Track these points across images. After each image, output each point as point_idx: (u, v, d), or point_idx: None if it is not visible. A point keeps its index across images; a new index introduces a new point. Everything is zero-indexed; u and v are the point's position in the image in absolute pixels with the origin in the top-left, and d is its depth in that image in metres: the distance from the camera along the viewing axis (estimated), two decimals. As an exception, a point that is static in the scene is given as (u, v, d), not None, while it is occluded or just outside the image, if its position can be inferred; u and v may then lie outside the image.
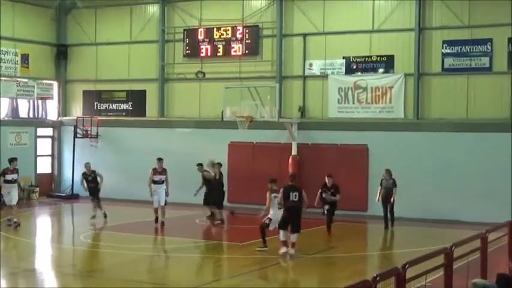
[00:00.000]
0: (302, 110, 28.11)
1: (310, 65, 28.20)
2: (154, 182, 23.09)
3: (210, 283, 14.88)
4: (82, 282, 15.68)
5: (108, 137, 31.37)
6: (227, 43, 29.18)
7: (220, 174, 24.39)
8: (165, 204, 23.14)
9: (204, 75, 29.69)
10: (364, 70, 27.23)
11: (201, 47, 29.64)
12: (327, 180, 22.34)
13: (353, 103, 27.25)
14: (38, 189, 31.13)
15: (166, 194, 23.24)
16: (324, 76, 27.83)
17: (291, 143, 27.47)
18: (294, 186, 18.10)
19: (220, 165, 24.47)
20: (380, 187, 23.46)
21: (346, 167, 26.26)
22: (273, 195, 18.16)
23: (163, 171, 23.34)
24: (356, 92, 27.20)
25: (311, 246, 19.31)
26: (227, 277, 16.27)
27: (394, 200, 23.16)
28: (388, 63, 26.81)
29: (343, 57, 27.54)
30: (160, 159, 23.42)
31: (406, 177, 24.94)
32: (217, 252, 19.30)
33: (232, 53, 29.13)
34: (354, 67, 27.41)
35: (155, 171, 23.17)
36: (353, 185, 25.80)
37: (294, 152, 27.39)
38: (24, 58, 31.19)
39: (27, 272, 16.38)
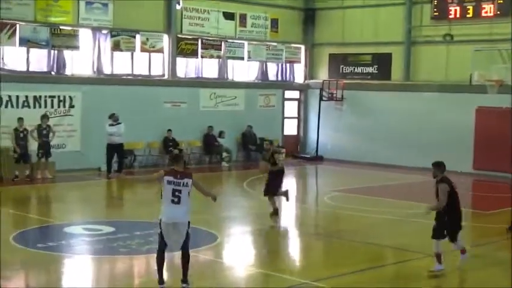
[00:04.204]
0: (558, 74, 26.39)
1: None
2: None
3: (446, 252, 14.59)
4: (325, 243, 16.08)
5: (353, 100, 31.52)
6: (477, 3, 27.98)
7: (272, 153, 18.20)
8: None
9: (452, 38, 28.78)
10: None
11: (450, 8, 28.71)
12: None
13: None
14: (284, 150, 32.08)
15: None
16: None
17: (544, 109, 25.94)
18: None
19: (271, 143, 19.07)
20: None
21: None
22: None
23: None
24: None
25: None
26: (471, 245, 15.87)
27: None
28: None
29: None
30: None
31: None
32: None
33: (483, 14, 27.92)
34: None
35: None
36: None
37: (547, 118, 25.84)
38: (274, 23, 32.14)
39: (274, 229, 17.10)
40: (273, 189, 17.77)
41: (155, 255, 11.22)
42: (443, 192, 12.68)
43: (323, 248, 15.67)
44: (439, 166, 13.08)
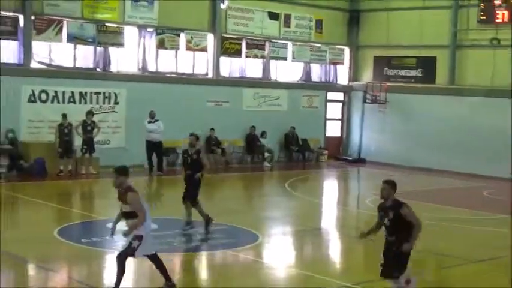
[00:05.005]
0: None
1: None
2: None
3: (493, 259, 14.43)
4: (366, 246, 15.98)
5: (396, 103, 31.29)
6: (526, 8, 27.63)
7: (197, 151, 15.96)
8: None
9: (498, 42, 28.40)
10: None
11: (497, 12, 28.33)
12: None
13: None
14: (326, 151, 32.07)
15: None
16: None
17: None
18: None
19: (197, 138, 16.27)
20: None
21: None
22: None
23: None
24: None
25: None
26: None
27: None
28: None
29: None
30: None
31: None
32: (501, 226, 18.60)
33: (532, 19, 27.53)
34: None
35: None
36: None
37: None
38: (318, 24, 32.09)
39: (314, 230, 17.10)
40: (191, 195, 15.67)
41: (195, 253, 11.22)
42: (413, 215, 10.60)
43: (364, 251, 15.59)
44: (394, 186, 11.05)
